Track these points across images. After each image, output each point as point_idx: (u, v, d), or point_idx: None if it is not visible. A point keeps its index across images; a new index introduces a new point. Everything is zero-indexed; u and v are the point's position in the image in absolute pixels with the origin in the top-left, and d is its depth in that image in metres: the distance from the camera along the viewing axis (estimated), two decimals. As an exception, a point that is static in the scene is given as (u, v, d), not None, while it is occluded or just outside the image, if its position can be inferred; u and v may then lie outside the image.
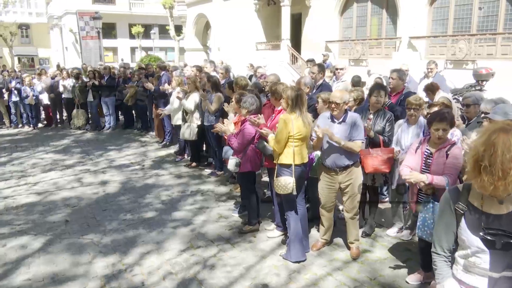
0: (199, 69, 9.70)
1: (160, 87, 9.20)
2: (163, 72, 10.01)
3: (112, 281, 4.00)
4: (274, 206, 4.99)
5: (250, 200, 5.09)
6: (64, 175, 7.54)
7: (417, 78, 8.51)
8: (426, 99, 5.86)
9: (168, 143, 9.64)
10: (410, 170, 3.69)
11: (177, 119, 8.23)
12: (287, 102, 4.12)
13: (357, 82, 7.53)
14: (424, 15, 13.62)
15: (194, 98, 7.48)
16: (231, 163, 4.92)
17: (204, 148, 8.40)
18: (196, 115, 7.55)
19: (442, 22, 13.46)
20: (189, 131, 7.55)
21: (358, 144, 4.14)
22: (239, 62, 17.80)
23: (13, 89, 11.89)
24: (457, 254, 2.06)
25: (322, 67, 6.90)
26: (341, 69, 7.85)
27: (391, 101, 5.37)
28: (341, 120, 4.17)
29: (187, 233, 5.05)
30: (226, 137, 5.24)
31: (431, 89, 6.09)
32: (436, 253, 2.11)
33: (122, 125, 12.31)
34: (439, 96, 5.64)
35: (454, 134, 4.16)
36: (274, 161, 4.29)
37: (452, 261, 2.10)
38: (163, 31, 40.45)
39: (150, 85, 9.62)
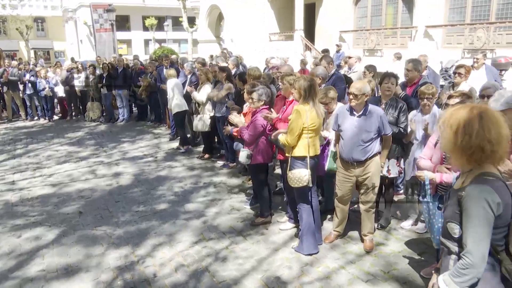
0: (203, 62, 9.56)
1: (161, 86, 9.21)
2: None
3: (124, 272, 4.02)
4: (286, 198, 4.95)
5: (262, 192, 5.06)
6: (78, 167, 7.61)
7: (434, 69, 8.31)
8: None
9: (173, 135, 9.59)
10: (429, 162, 3.57)
11: (174, 106, 8.27)
12: (300, 92, 4.05)
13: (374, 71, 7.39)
14: (441, 3, 13.29)
15: (206, 90, 7.45)
16: (242, 155, 4.89)
17: (216, 140, 8.38)
18: (209, 107, 7.53)
19: (459, 10, 13.12)
20: (202, 123, 7.53)
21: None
22: (252, 53, 17.70)
23: (27, 82, 12.03)
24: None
25: (328, 58, 6.77)
26: (349, 57, 7.70)
27: (405, 93, 5.23)
28: (361, 113, 4.07)
29: (199, 225, 5.04)
30: (235, 133, 5.23)
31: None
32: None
33: (136, 117, 12.37)
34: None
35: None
36: (286, 154, 4.22)
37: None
38: (177, 23, 40.45)
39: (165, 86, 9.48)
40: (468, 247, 1.89)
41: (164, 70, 9.60)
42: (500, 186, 1.90)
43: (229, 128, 5.55)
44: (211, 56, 14.89)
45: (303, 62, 10.58)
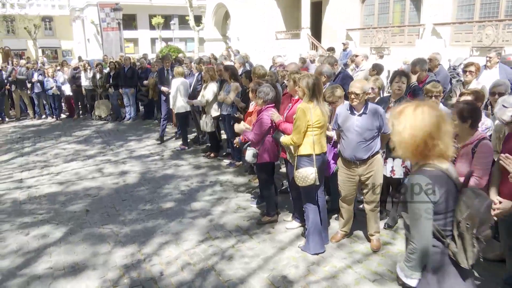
0: (201, 61, 9.53)
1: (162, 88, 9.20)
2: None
3: (131, 271, 4.03)
4: (292, 197, 4.93)
5: (268, 191, 5.04)
6: (85, 165, 7.65)
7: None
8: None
9: (178, 134, 9.58)
10: None
11: (177, 106, 8.29)
12: (304, 90, 4.03)
13: (380, 70, 7.34)
14: (449, 0, 13.17)
15: (212, 88, 7.45)
16: (249, 154, 4.88)
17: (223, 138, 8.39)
18: (215, 106, 7.52)
19: (468, 8, 12.99)
20: (208, 123, 7.56)
21: None
22: (258, 52, 17.67)
23: (35, 82, 12.11)
24: None
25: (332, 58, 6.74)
26: (356, 56, 7.66)
27: (416, 83, 5.20)
28: (361, 112, 4.04)
29: (206, 224, 5.04)
30: (243, 140, 5.28)
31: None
32: None
33: (142, 116, 12.40)
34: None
35: (485, 124, 3.99)
36: (294, 154, 4.20)
37: None
38: (183, 22, 40.48)
39: (165, 89, 9.42)
40: (411, 233, 2.10)
41: (165, 71, 9.48)
42: (438, 176, 2.04)
43: (237, 139, 5.61)
44: (212, 55, 14.87)
45: (302, 60, 10.52)
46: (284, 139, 4.24)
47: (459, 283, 2.11)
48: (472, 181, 3.22)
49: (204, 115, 7.80)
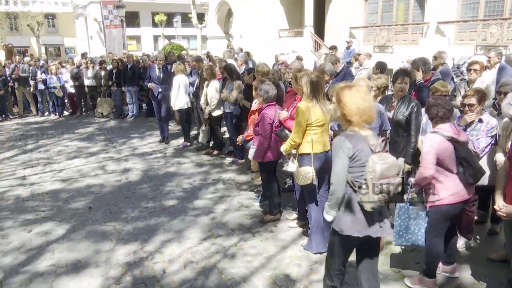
0: (199, 59, 9.44)
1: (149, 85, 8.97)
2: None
3: (133, 268, 4.03)
4: (295, 195, 4.91)
5: (271, 189, 5.03)
6: (88, 163, 7.65)
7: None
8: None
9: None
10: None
11: (178, 103, 8.23)
12: (303, 89, 4.01)
13: (383, 68, 7.29)
14: (454, -2, 13.12)
15: (214, 85, 7.43)
16: (252, 152, 4.86)
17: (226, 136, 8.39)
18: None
19: (472, 6, 12.93)
20: (206, 135, 7.71)
21: None
22: (261, 50, 17.62)
23: (38, 81, 12.12)
24: None
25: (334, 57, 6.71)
26: (359, 54, 7.62)
27: (422, 80, 5.13)
28: None
29: (208, 222, 5.03)
30: (247, 138, 5.30)
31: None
32: None
33: (145, 114, 12.40)
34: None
35: (490, 123, 3.96)
36: (296, 153, 4.18)
37: None
38: (186, 19, 40.49)
39: (151, 85, 9.04)
40: (331, 179, 2.74)
41: (156, 70, 9.16)
42: (354, 137, 2.67)
43: (240, 137, 5.62)
44: (207, 54, 14.83)
45: (299, 58, 10.49)
46: (283, 147, 4.25)
47: (361, 221, 2.70)
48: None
49: (202, 126, 7.84)
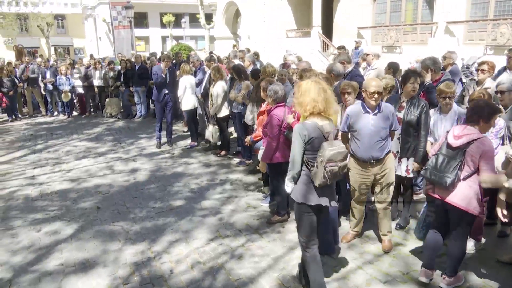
0: (212, 59, 9.46)
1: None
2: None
3: (141, 268, 4.04)
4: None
5: (279, 190, 5.00)
6: (96, 163, 7.70)
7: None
8: None
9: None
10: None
11: (184, 104, 8.30)
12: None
13: (396, 69, 7.26)
14: (463, -2, 13.01)
15: (221, 85, 7.44)
16: (261, 153, 4.85)
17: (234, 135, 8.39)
18: (225, 104, 7.52)
19: (482, 6, 12.81)
20: (216, 134, 7.70)
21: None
22: (269, 50, 17.60)
23: (47, 83, 12.23)
24: None
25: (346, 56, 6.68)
26: (367, 54, 7.58)
27: (430, 82, 5.12)
28: (376, 111, 3.98)
29: (216, 222, 5.04)
30: (255, 138, 5.32)
31: None
32: None
33: (153, 114, 12.42)
34: None
35: (498, 124, 3.92)
36: None
37: None
38: (194, 20, 40.60)
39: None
40: (289, 158, 3.31)
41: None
42: (309, 125, 3.18)
43: (248, 137, 5.60)
44: (210, 54, 14.84)
45: (299, 59, 10.47)
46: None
47: (313, 193, 3.25)
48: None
49: (210, 126, 7.84)
